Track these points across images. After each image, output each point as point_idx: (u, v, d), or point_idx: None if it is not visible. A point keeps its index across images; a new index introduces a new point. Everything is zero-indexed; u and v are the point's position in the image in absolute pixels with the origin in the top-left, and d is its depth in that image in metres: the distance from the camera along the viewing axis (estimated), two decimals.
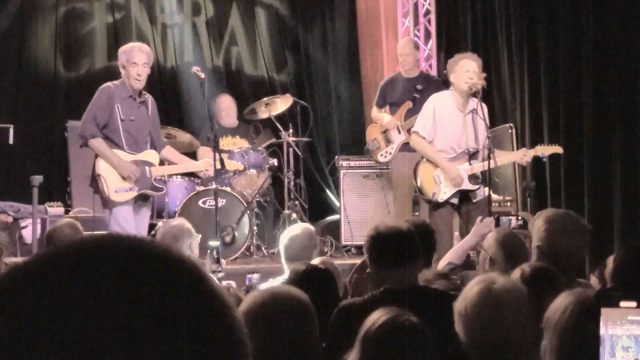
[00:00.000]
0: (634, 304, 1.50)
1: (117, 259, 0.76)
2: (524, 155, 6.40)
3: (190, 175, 7.56)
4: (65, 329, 0.71)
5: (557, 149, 6.46)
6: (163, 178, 6.50)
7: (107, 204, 6.00)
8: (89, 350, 0.71)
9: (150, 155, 6.15)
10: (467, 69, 6.33)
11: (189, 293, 0.76)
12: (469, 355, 2.44)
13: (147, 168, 6.08)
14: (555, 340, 1.92)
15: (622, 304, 1.50)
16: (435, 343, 2.51)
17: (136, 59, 5.95)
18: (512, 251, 3.91)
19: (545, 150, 6.41)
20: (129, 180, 5.96)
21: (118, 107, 5.96)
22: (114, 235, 0.79)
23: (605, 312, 1.51)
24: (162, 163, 6.35)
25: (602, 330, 1.53)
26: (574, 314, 1.85)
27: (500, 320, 2.33)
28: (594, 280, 4.46)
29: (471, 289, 2.45)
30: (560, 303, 1.99)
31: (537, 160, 6.58)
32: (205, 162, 6.36)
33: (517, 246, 3.97)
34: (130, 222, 6.02)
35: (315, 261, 4.15)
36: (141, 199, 6.14)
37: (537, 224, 3.65)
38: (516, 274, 3.03)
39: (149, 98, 6.18)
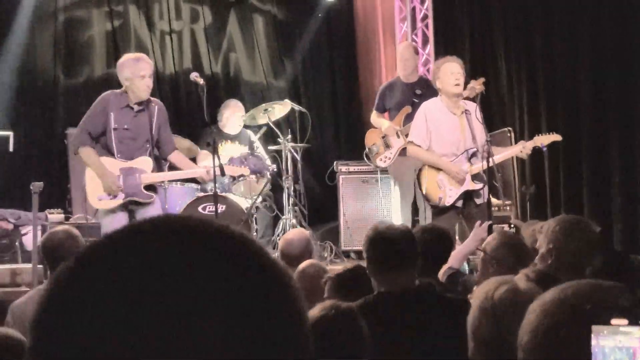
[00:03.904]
0: (625, 321, 1.49)
1: (179, 241, 0.77)
2: (523, 148, 6.34)
3: (190, 181, 7.57)
4: (137, 312, 0.72)
5: (556, 137, 6.35)
6: (163, 185, 6.50)
7: (95, 212, 6.07)
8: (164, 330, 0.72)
9: (143, 162, 6.13)
10: (451, 72, 6.35)
11: (254, 268, 0.78)
12: (487, 350, 2.43)
13: (137, 175, 6.08)
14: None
15: (614, 321, 1.49)
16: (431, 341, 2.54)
17: (144, 72, 6.00)
18: (519, 253, 3.92)
19: (544, 140, 6.32)
20: (109, 192, 6.01)
21: (112, 115, 6.01)
22: (170, 217, 0.81)
23: (595, 327, 1.50)
24: (171, 167, 6.39)
25: (593, 342, 1.51)
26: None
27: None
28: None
29: (496, 288, 2.43)
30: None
31: (536, 155, 6.49)
32: (201, 169, 6.37)
33: (521, 248, 3.98)
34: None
35: (303, 265, 4.15)
36: (136, 204, 6.13)
37: (549, 226, 3.65)
38: (521, 279, 3.01)
39: (156, 105, 6.18)
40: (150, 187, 6.21)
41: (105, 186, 5.99)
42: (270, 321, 0.76)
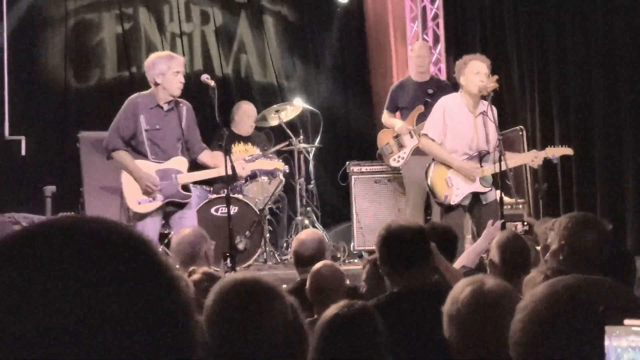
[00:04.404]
0: (638, 322, 1.47)
1: (70, 240, 0.80)
2: (535, 157, 6.35)
3: (203, 183, 7.57)
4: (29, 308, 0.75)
5: (568, 151, 6.41)
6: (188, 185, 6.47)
7: (130, 217, 5.99)
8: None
9: (178, 162, 6.10)
10: (477, 71, 6.29)
11: (134, 268, 0.80)
12: (461, 356, 2.42)
13: (173, 176, 6.05)
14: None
15: (627, 322, 1.48)
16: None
17: (178, 68, 6.03)
18: (511, 255, 3.91)
19: (555, 152, 6.36)
20: (148, 192, 5.94)
21: (142, 117, 5.98)
22: (66, 217, 0.84)
23: (608, 328, 1.49)
24: (199, 167, 6.32)
25: (606, 342, 1.49)
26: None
27: (493, 320, 2.31)
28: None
29: (462, 291, 2.42)
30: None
31: (548, 162, 6.54)
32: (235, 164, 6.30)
33: (517, 250, 3.96)
34: (152, 235, 5.93)
35: (318, 265, 4.13)
36: (173, 206, 6.09)
37: (560, 223, 3.64)
38: (538, 277, 2.99)
39: (184, 106, 6.18)
40: (185, 187, 6.18)
41: (143, 186, 5.92)
42: (147, 321, 0.78)
